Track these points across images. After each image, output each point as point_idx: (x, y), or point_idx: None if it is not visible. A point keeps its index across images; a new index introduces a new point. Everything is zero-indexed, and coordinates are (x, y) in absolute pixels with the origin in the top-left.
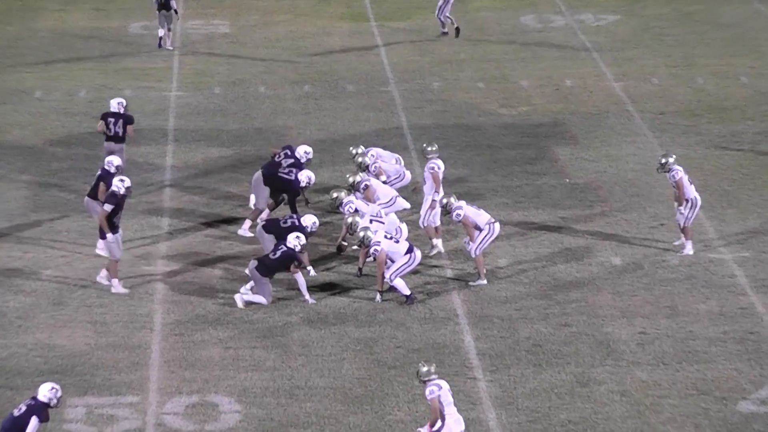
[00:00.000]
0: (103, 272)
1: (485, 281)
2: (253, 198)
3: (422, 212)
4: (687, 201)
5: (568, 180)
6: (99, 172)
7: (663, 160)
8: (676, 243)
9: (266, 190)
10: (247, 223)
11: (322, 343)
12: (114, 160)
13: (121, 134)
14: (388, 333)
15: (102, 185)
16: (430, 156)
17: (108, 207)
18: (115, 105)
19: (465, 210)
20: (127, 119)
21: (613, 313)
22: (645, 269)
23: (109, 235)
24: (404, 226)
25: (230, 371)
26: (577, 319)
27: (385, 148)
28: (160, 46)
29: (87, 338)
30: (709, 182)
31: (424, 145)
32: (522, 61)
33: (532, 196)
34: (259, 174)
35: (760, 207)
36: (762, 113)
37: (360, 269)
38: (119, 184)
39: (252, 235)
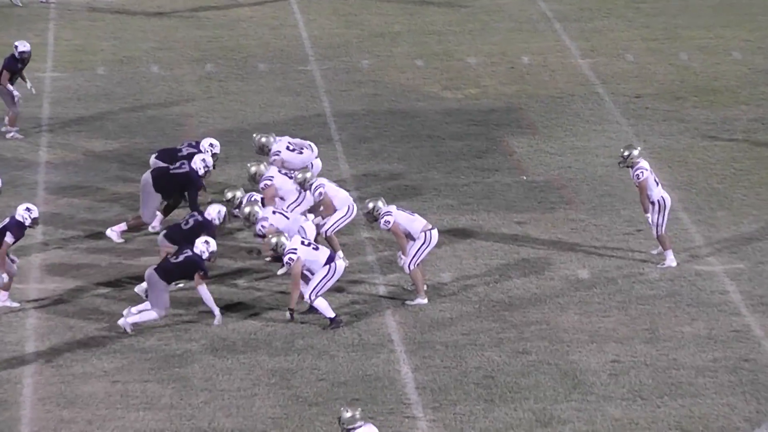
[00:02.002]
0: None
1: (425, 300)
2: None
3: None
4: (653, 204)
5: (525, 177)
6: None
7: (626, 153)
8: (655, 252)
9: (157, 198)
10: (121, 226)
11: (228, 376)
12: None
13: None
14: (309, 363)
15: None
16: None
17: (10, 239)
18: None
19: (395, 216)
20: None
21: (581, 338)
22: (619, 284)
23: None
24: (310, 225)
25: (118, 410)
26: (537, 345)
27: (304, 138)
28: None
29: None
30: (695, 179)
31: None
32: (469, 34)
33: (482, 196)
34: (147, 177)
35: (755, 208)
36: (758, 96)
37: (291, 312)
38: (25, 214)
39: (122, 241)
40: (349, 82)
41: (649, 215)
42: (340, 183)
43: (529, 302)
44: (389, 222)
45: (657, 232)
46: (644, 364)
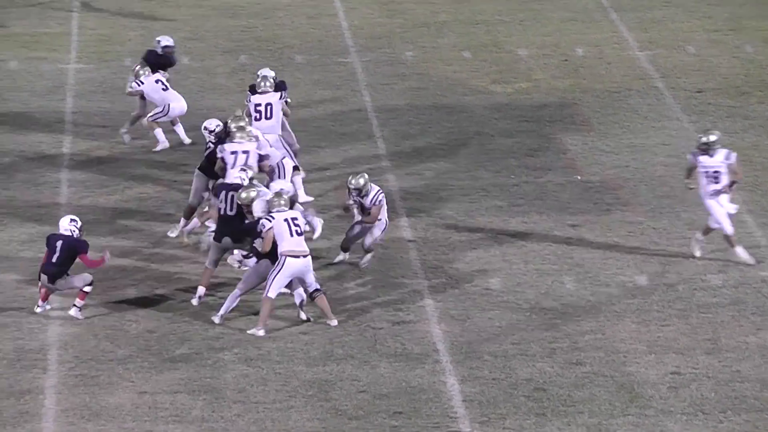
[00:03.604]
0: None
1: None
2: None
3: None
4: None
5: (579, 177)
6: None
7: (709, 138)
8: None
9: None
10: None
11: (263, 387)
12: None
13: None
14: (349, 374)
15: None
16: None
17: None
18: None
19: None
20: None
21: (638, 348)
22: (679, 291)
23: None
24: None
25: (146, 423)
26: (592, 355)
27: (343, 135)
28: None
29: None
30: (761, 179)
31: None
32: (520, 24)
33: (533, 197)
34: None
35: None
36: None
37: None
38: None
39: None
40: (392, 75)
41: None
42: (382, 182)
43: (583, 310)
44: (382, 201)
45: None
46: (706, 376)
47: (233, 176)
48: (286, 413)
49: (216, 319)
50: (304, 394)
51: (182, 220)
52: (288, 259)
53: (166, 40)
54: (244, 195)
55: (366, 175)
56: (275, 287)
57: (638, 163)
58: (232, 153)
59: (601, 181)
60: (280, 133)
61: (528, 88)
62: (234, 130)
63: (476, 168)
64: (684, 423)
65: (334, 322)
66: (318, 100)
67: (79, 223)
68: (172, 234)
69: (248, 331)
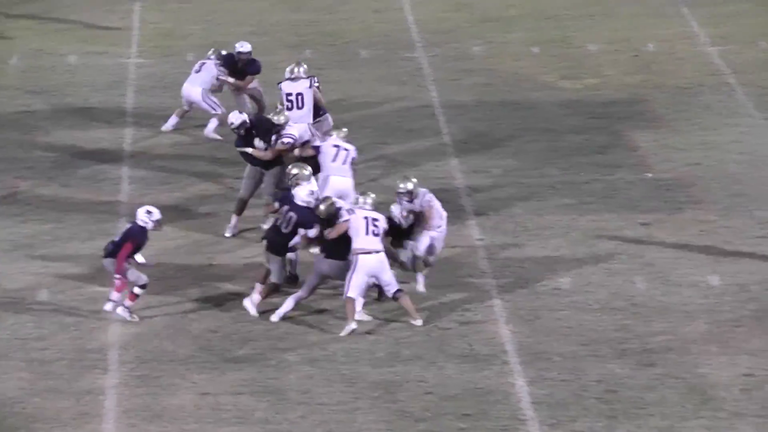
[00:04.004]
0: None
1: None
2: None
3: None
4: None
5: (650, 175)
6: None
7: None
8: None
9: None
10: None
11: (328, 389)
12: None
13: None
14: (415, 375)
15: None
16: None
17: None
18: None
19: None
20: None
21: (710, 350)
22: (752, 292)
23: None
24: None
25: (208, 425)
26: (663, 357)
27: (409, 132)
28: None
29: (20, 381)
30: None
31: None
32: (590, 19)
33: (603, 195)
34: None
35: None
36: None
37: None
38: (146, 218)
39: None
40: (459, 70)
41: None
42: (449, 180)
43: (654, 310)
44: (431, 199)
45: None
46: None
47: (337, 170)
48: (352, 415)
49: (274, 318)
50: (369, 396)
51: (234, 217)
52: (360, 256)
53: (240, 46)
54: (323, 208)
55: (414, 178)
56: (353, 287)
57: (710, 160)
58: (335, 146)
59: (673, 179)
60: (311, 122)
61: (597, 84)
62: (277, 122)
63: (545, 165)
64: (757, 426)
65: (419, 322)
66: (383, 96)
67: (156, 215)
68: (228, 234)
69: (341, 333)
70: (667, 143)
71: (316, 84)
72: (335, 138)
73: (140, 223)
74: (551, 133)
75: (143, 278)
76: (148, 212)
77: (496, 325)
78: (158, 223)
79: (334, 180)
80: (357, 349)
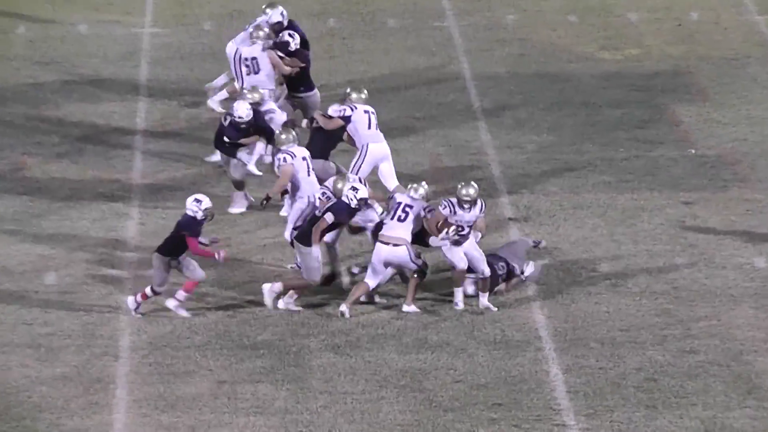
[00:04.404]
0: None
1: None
2: None
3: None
4: None
5: (693, 151)
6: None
7: None
8: None
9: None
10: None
11: (352, 377)
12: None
13: None
14: (444, 362)
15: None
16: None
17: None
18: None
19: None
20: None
21: (756, 336)
22: None
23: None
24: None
25: (225, 414)
26: (707, 343)
27: (439, 105)
28: None
29: (26, 369)
30: None
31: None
32: None
33: (643, 172)
34: None
35: None
36: None
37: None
38: (195, 206)
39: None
40: (492, 40)
41: None
42: (481, 156)
43: (697, 294)
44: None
45: None
46: None
47: (373, 137)
48: (377, 404)
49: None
50: (395, 384)
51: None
52: (378, 243)
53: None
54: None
55: (474, 183)
56: (369, 273)
57: (757, 135)
58: (365, 112)
59: (717, 155)
60: (271, 88)
61: (638, 54)
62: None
63: (582, 141)
64: None
65: (411, 308)
66: (412, 68)
67: (205, 203)
68: (235, 210)
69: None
70: (712, 118)
71: (275, 49)
72: (363, 103)
73: (190, 213)
74: (589, 107)
75: (201, 274)
76: (197, 201)
77: (530, 310)
78: (208, 212)
79: (373, 147)
80: (382, 335)
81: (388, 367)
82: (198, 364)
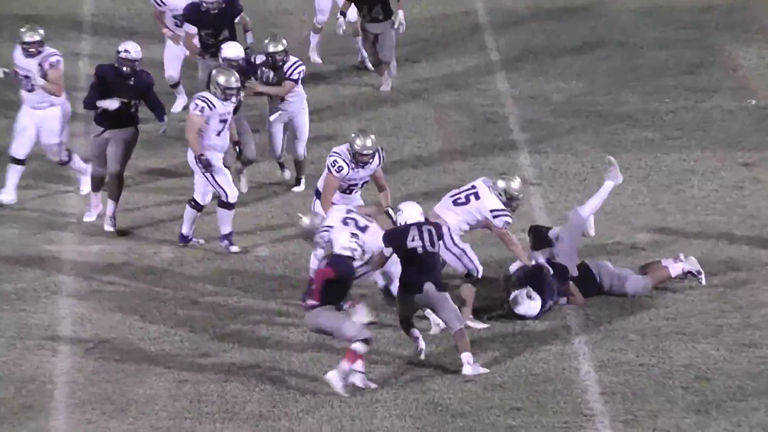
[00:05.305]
0: None
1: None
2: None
3: None
4: None
5: (753, 102)
6: None
7: None
8: None
9: None
10: None
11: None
12: None
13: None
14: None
15: None
16: None
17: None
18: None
19: None
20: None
21: None
22: None
23: None
24: None
25: (186, 421)
26: None
27: (447, 45)
28: None
29: None
30: None
31: None
32: None
33: (693, 128)
34: None
35: None
36: None
37: None
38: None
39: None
40: None
41: None
42: (497, 108)
43: (758, 275)
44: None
45: None
46: None
47: None
48: (370, 409)
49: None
50: (393, 385)
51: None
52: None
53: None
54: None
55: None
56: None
57: None
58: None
59: None
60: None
61: None
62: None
63: (619, 89)
64: None
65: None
66: (415, 2)
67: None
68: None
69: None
70: None
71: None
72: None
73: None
74: (628, 48)
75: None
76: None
77: None
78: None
79: None
80: (376, 324)
81: (383, 363)
82: (154, 359)
